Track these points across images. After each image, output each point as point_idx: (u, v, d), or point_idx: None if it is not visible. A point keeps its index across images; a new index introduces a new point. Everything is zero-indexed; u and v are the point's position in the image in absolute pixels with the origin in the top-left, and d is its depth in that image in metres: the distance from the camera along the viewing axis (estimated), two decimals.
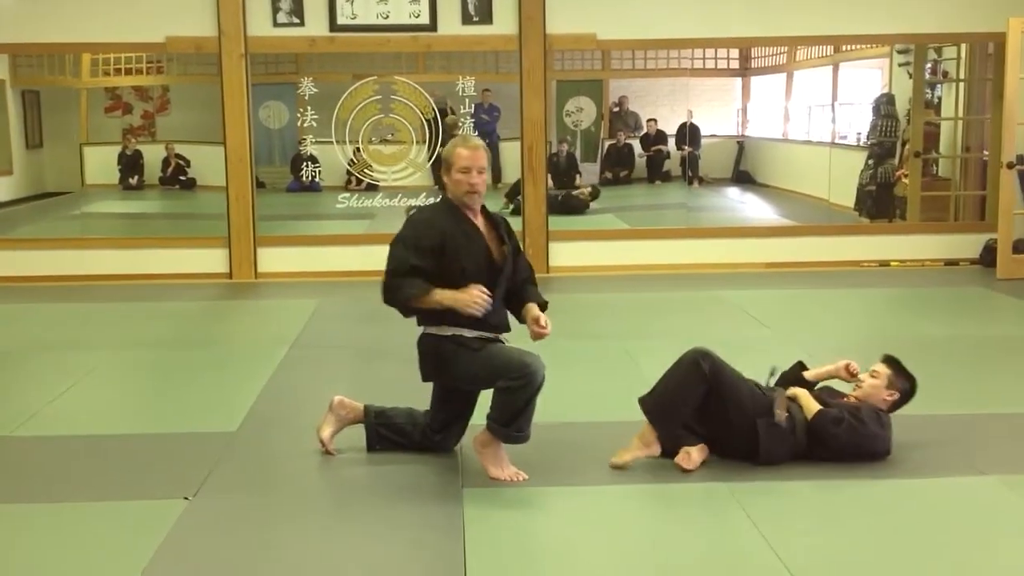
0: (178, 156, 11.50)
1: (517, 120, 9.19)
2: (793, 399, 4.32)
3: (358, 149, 9.33)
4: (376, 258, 8.78)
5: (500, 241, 4.24)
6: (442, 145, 9.27)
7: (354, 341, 6.74)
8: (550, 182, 9.74)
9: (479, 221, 4.22)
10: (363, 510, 3.89)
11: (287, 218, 10.31)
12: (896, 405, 4.37)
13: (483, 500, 3.93)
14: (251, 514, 3.86)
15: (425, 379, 4.28)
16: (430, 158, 9.43)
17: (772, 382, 4.49)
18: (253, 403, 5.24)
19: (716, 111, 12.67)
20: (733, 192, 12.66)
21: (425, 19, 8.91)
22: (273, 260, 9.10)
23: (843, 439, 4.19)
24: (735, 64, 12.51)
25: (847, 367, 4.50)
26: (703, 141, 12.21)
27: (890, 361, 4.41)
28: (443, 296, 4.03)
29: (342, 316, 7.59)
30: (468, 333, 4.08)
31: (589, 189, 11.46)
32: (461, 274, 4.08)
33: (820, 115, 12.18)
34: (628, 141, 12.26)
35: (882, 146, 10.55)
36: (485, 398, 4.20)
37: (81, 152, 11.10)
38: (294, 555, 3.50)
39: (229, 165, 8.94)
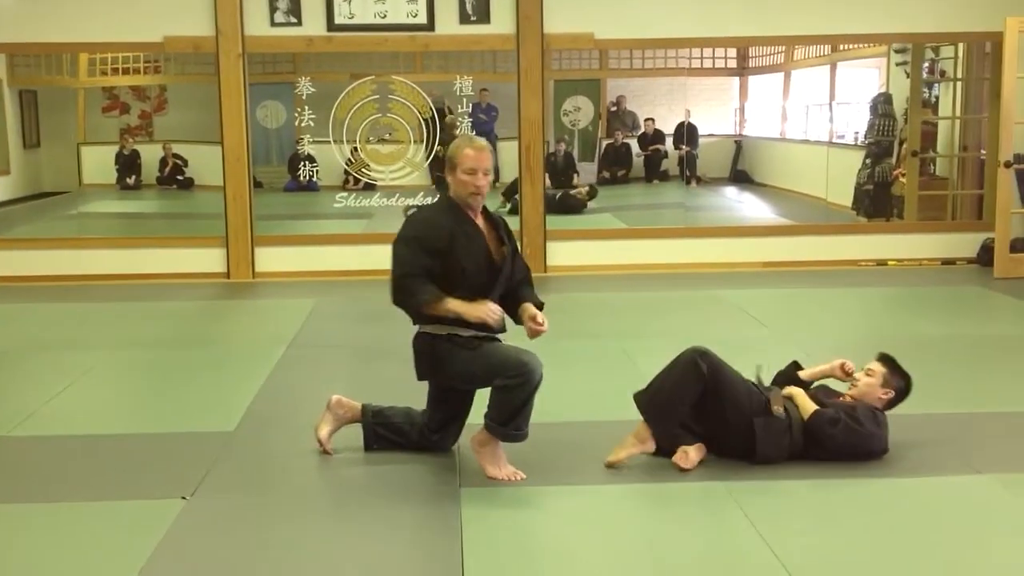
0: (175, 156, 11.49)
1: (515, 120, 9.19)
2: (789, 398, 4.32)
3: (356, 149, 9.33)
4: (374, 258, 8.89)
5: (500, 241, 4.24)
6: (440, 144, 9.30)
7: (352, 340, 6.74)
8: (548, 182, 9.74)
9: (479, 221, 4.22)
10: (361, 510, 3.89)
11: (284, 218, 10.30)
12: (892, 403, 4.37)
13: (481, 500, 3.93)
14: (249, 514, 3.86)
15: (420, 378, 4.28)
16: (428, 157, 9.43)
17: (767, 380, 4.49)
18: (251, 403, 5.24)
19: (714, 110, 12.67)
20: (731, 191, 12.67)
21: (423, 19, 8.91)
22: (271, 260, 9.10)
23: (840, 439, 4.19)
24: (733, 64, 12.51)
25: (842, 366, 4.50)
26: (701, 140, 12.21)
27: (885, 359, 4.42)
28: (455, 305, 4.03)
29: (340, 316, 7.59)
30: (464, 332, 4.08)
31: (587, 188, 11.46)
32: (461, 274, 4.08)
33: (818, 114, 12.19)
34: (626, 141, 12.26)
35: (879, 145, 10.56)
36: (481, 397, 4.20)
37: (78, 152, 11.09)
38: (292, 555, 3.50)
39: (226, 165, 8.93)
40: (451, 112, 9.51)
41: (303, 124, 9.29)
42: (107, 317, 7.66)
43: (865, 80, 11.69)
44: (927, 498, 3.96)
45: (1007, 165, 8.74)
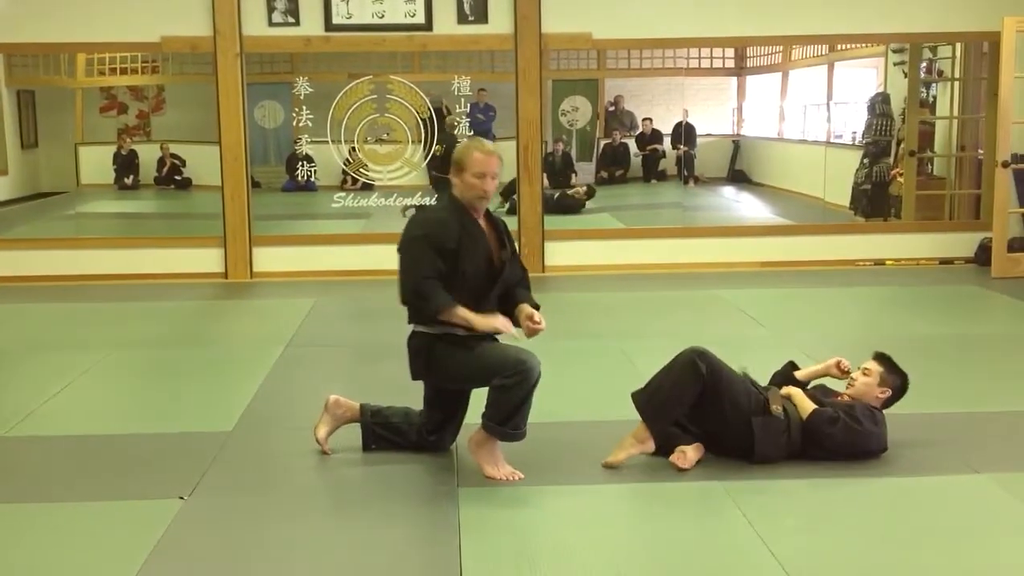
0: (173, 156, 11.50)
1: (513, 119, 9.19)
2: (788, 398, 4.33)
3: (353, 148, 9.33)
4: (372, 258, 8.91)
5: (500, 244, 4.24)
6: (438, 144, 9.30)
7: (350, 340, 6.74)
8: (546, 181, 9.74)
9: (482, 222, 4.21)
10: (359, 510, 3.89)
11: (283, 218, 10.30)
12: (889, 402, 4.38)
13: (479, 499, 3.93)
14: (247, 514, 3.85)
15: (415, 377, 4.27)
16: (425, 157, 9.43)
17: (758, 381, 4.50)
18: (249, 403, 5.23)
19: (712, 110, 12.69)
20: (729, 191, 12.68)
21: (421, 18, 8.90)
22: (269, 260, 9.09)
23: (839, 438, 4.20)
24: (730, 63, 12.53)
25: (838, 364, 4.51)
26: (699, 140, 12.23)
27: (881, 358, 4.42)
28: (467, 315, 4.03)
29: (338, 315, 7.60)
30: (460, 332, 4.08)
31: (585, 188, 11.47)
32: (462, 276, 4.08)
33: (815, 114, 12.20)
34: (624, 140, 12.28)
35: (877, 145, 10.57)
36: (478, 397, 4.20)
37: (76, 152, 11.09)
38: (290, 555, 3.50)
39: (224, 165, 8.93)
40: (449, 112, 9.51)
41: (301, 124, 9.29)
42: (105, 317, 7.66)
43: (863, 80, 11.70)
44: (924, 497, 3.96)
45: (1004, 165, 8.74)
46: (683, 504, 3.94)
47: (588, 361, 6.04)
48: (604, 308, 7.63)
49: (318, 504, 4.01)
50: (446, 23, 8.92)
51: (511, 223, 4.50)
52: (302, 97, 9.23)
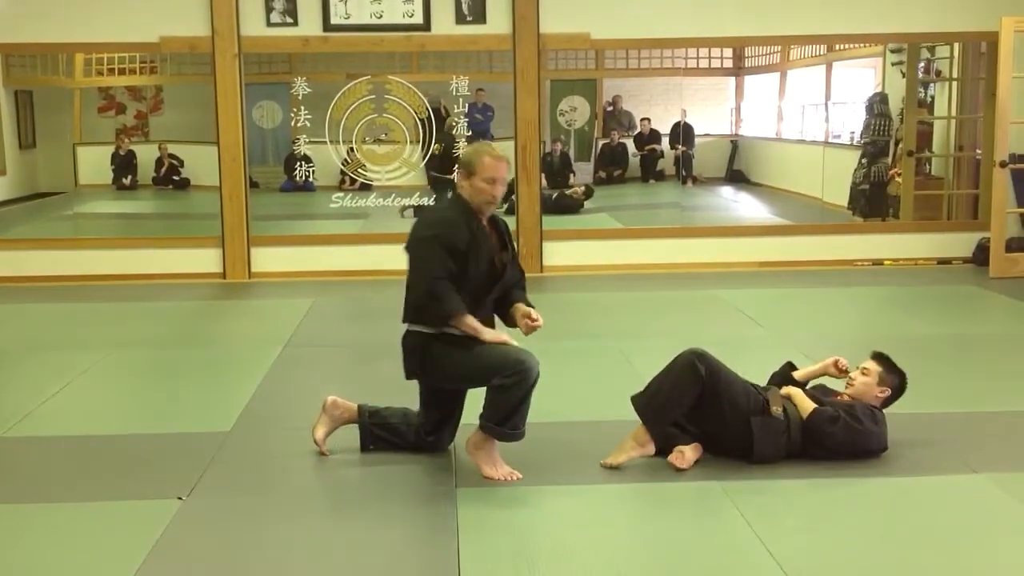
0: (171, 156, 11.51)
1: (511, 119, 9.18)
2: (788, 398, 4.33)
3: (352, 149, 9.33)
4: (370, 258, 8.91)
5: (501, 245, 4.24)
6: (436, 143, 9.30)
7: (348, 340, 6.74)
8: (544, 181, 9.74)
9: (484, 224, 4.21)
10: (357, 510, 3.89)
11: (281, 218, 10.30)
12: (888, 401, 4.39)
13: (477, 500, 3.93)
14: (245, 514, 3.85)
15: (409, 376, 4.26)
16: (424, 158, 9.43)
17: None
18: (247, 403, 5.23)
19: (710, 110, 12.70)
20: (727, 191, 12.69)
21: (419, 19, 8.90)
22: (267, 260, 9.09)
23: (839, 437, 4.20)
24: (729, 63, 12.54)
25: (836, 364, 4.51)
26: (697, 140, 12.24)
27: (879, 357, 4.43)
28: (475, 326, 4.04)
29: (336, 316, 7.59)
30: (457, 332, 4.08)
31: (583, 188, 11.48)
32: (467, 277, 4.07)
33: (813, 114, 12.21)
34: (622, 140, 12.29)
35: (875, 145, 10.58)
36: (473, 396, 4.20)
37: (74, 152, 11.10)
38: (288, 555, 3.50)
39: (223, 165, 8.92)
40: (448, 113, 9.52)
41: (299, 124, 9.28)
42: (103, 317, 7.66)
43: (861, 80, 11.71)
44: (923, 497, 3.96)
45: (1003, 165, 8.74)
46: (681, 504, 3.94)
47: (586, 361, 6.04)
48: (602, 308, 7.63)
49: (316, 504, 4.01)
50: (444, 23, 8.92)
51: (509, 223, 4.50)
52: (300, 97, 9.23)
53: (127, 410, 5.38)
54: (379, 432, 4.42)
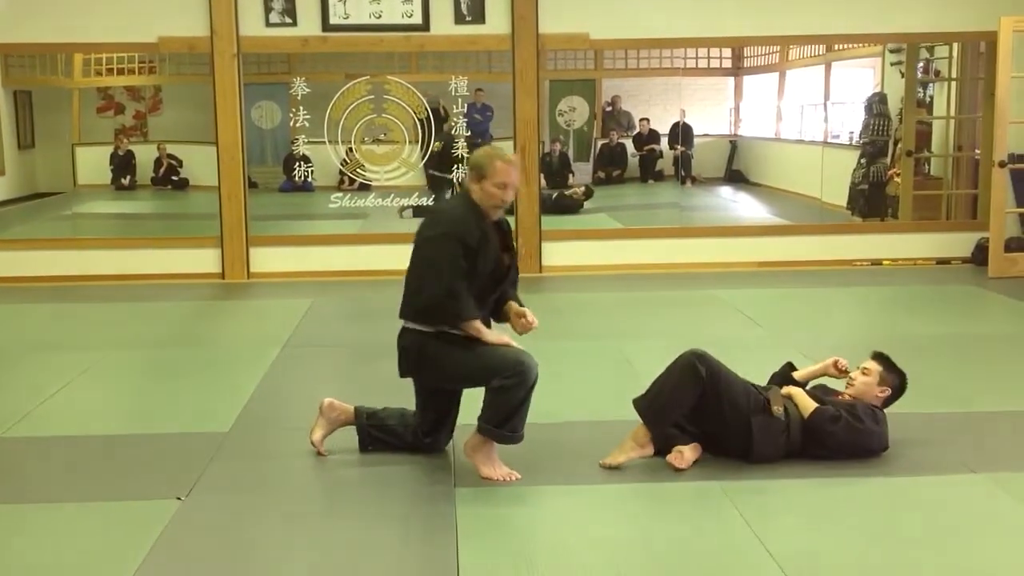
0: (170, 156, 11.51)
1: (510, 120, 9.18)
2: (789, 398, 4.33)
3: (351, 149, 9.33)
4: (369, 258, 8.91)
5: (504, 246, 4.24)
6: (436, 142, 9.30)
7: (347, 340, 6.74)
8: (543, 182, 9.74)
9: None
10: (355, 510, 3.88)
11: (280, 218, 10.30)
12: (889, 401, 4.39)
13: (476, 500, 3.93)
14: (244, 514, 3.85)
15: (403, 375, 4.25)
16: (423, 158, 9.43)
17: None
18: (246, 403, 5.23)
19: (709, 110, 12.71)
20: (726, 191, 12.70)
21: (418, 19, 8.90)
22: (266, 260, 9.09)
23: (841, 437, 4.20)
24: (728, 63, 12.55)
25: (835, 364, 4.52)
26: (696, 140, 12.26)
27: (879, 357, 4.43)
28: (482, 330, 4.03)
29: (335, 316, 7.59)
30: (456, 331, 4.07)
31: (582, 189, 11.48)
32: (474, 276, 4.07)
33: (812, 114, 12.22)
34: (621, 140, 12.30)
35: (874, 145, 10.58)
36: (470, 397, 4.20)
37: (73, 152, 11.10)
38: (287, 555, 3.50)
39: (221, 165, 8.92)
40: (447, 113, 9.51)
41: (298, 124, 9.28)
42: (102, 318, 7.65)
43: (860, 80, 11.72)
44: (922, 497, 3.96)
45: (1002, 165, 8.75)
46: (681, 504, 3.94)
47: (585, 361, 6.04)
48: (601, 308, 7.63)
49: (315, 504, 4.01)
50: (443, 23, 8.92)
51: (509, 223, 4.49)
52: (299, 97, 9.23)
53: (126, 410, 5.38)
54: (377, 434, 4.41)
